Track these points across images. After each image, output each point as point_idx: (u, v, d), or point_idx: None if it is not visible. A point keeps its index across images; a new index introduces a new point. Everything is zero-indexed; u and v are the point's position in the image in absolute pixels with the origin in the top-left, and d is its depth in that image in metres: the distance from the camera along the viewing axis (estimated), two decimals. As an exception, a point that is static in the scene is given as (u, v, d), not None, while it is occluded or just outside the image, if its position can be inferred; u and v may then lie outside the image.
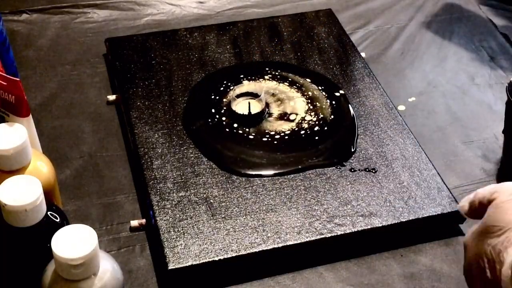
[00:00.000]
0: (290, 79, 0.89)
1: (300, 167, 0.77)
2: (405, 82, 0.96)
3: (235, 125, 0.82)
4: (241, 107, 0.84)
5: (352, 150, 0.80)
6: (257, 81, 0.89)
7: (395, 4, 1.10)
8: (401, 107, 0.91)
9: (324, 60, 0.93)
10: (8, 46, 0.78)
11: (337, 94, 0.87)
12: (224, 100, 0.86)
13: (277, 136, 0.81)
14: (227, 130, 0.82)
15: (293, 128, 0.82)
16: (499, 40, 1.03)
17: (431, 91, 0.94)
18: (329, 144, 0.81)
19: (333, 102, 0.86)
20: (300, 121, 0.83)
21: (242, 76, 0.89)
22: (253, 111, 0.83)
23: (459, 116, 0.91)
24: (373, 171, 0.78)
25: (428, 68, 0.98)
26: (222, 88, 0.87)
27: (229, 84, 0.88)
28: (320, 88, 0.88)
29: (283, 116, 0.84)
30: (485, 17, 1.08)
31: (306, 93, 0.87)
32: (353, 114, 0.85)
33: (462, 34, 1.05)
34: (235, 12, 1.06)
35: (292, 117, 0.84)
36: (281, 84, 0.89)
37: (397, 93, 0.93)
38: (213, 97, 0.86)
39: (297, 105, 0.86)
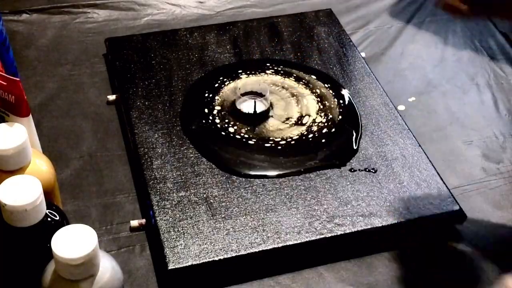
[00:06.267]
0: (294, 75, 0.89)
1: (302, 169, 0.77)
2: (405, 82, 0.96)
3: (234, 128, 0.82)
4: (246, 106, 0.84)
5: (355, 150, 0.80)
6: (258, 75, 0.89)
7: (395, 4, 1.10)
8: (401, 107, 0.91)
9: (324, 60, 0.93)
10: (8, 46, 0.78)
11: (343, 92, 0.87)
12: (222, 97, 0.86)
13: (283, 142, 0.81)
14: (228, 132, 0.82)
15: (303, 132, 0.82)
16: (499, 40, 1.03)
17: (431, 91, 0.94)
18: (334, 146, 0.81)
19: (341, 101, 0.86)
20: (311, 123, 0.83)
21: (240, 71, 0.89)
22: (259, 110, 0.83)
23: (459, 116, 0.91)
24: (373, 171, 0.78)
25: (428, 68, 0.98)
26: (221, 85, 0.87)
27: (225, 80, 0.88)
28: (326, 86, 0.88)
29: (298, 121, 0.83)
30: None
31: (314, 91, 0.87)
32: (359, 114, 0.84)
33: (462, 34, 1.05)
34: (235, 12, 1.06)
35: (305, 120, 0.83)
36: (286, 79, 0.89)
37: (397, 93, 0.93)
38: (211, 95, 0.86)
39: (310, 104, 0.85)
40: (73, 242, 0.51)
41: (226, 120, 0.83)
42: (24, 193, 0.55)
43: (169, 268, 0.67)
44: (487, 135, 0.88)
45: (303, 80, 0.89)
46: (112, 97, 0.89)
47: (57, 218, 0.59)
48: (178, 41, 0.95)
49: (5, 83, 0.65)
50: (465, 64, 0.99)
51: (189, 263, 0.67)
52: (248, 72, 0.90)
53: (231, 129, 0.82)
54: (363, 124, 0.83)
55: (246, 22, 0.99)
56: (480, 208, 0.78)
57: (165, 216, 0.71)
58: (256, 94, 0.85)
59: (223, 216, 0.72)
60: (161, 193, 0.74)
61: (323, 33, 0.98)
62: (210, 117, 0.83)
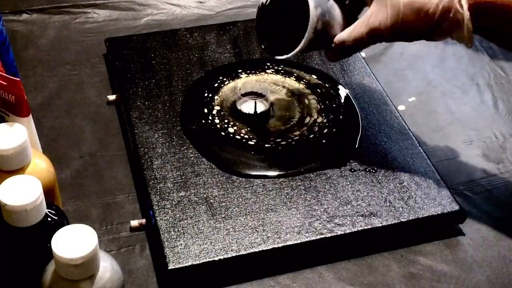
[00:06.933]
0: (295, 74, 0.89)
1: (302, 169, 0.77)
2: (405, 82, 0.96)
3: (234, 129, 0.82)
4: (246, 106, 0.84)
5: (355, 150, 0.80)
6: (259, 74, 0.89)
7: (395, 4, 1.10)
8: (401, 107, 0.91)
9: (324, 60, 0.93)
10: (8, 46, 0.78)
11: (343, 92, 0.87)
12: (221, 97, 0.86)
13: (283, 143, 0.81)
14: (227, 133, 0.82)
15: (304, 132, 0.82)
16: (499, 40, 1.03)
17: (431, 91, 0.94)
18: (335, 146, 0.80)
19: (341, 101, 0.86)
20: (312, 124, 0.83)
21: (240, 71, 0.89)
22: (259, 111, 0.83)
23: (459, 116, 0.91)
24: (373, 171, 0.78)
25: (428, 68, 0.98)
26: (220, 85, 0.87)
27: (225, 80, 0.88)
28: (327, 85, 0.88)
29: (299, 121, 0.83)
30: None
31: (315, 90, 0.87)
32: (359, 114, 0.84)
33: (462, 34, 1.04)
34: (235, 12, 1.06)
35: (306, 120, 0.83)
36: (287, 78, 0.89)
37: (397, 93, 0.93)
38: (210, 95, 0.86)
39: (311, 104, 0.85)
40: (73, 242, 0.51)
41: (226, 120, 0.83)
42: (24, 193, 0.55)
43: (169, 268, 0.67)
44: (487, 135, 0.88)
45: (304, 80, 0.89)
46: (112, 97, 0.89)
47: (57, 218, 0.59)
48: (178, 41, 0.95)
49: (5, 83, 0.65)
50: (465, 64, 0.99)
51: (189, 263, 0.67)
52: (248, 72, 0.90)
53: (231, 129, 0.81)
54: (363, 124, 0.83)
55: (246, 22, 0.99)
56: (480, 208, 0.78)
57: (165, 216, 0.71)
58: (256, 95, 0.85)
59: (223, 216, 0.72)
60: (161, 193, 0.74)
61: (323, 33, 0.98)
62: (210, 117, 0.83)
